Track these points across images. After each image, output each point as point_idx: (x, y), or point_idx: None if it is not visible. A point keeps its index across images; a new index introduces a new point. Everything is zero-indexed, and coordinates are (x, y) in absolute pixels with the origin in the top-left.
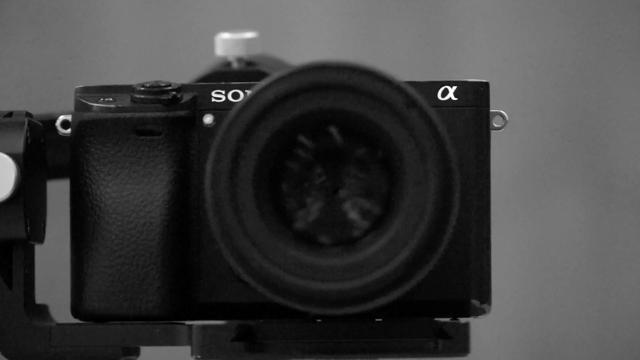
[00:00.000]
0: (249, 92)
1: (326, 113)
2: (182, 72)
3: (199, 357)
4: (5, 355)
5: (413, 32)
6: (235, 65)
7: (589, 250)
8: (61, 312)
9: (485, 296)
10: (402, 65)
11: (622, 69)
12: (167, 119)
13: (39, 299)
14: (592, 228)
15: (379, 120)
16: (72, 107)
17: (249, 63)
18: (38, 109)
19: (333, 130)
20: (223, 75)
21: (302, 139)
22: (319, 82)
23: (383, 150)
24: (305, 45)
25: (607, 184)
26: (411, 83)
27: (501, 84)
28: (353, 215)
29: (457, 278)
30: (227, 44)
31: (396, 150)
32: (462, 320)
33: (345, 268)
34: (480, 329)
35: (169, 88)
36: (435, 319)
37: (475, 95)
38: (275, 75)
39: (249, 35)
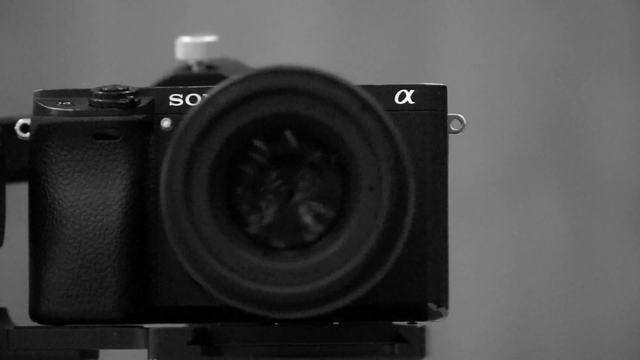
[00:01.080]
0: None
1: (281, 117)
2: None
3: None
4: None
5: (393, 36)
6: (195, 68)
7: (568, 252)
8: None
9: (442, 300)
10: (381, 68)
11: (602, 69)
12: (125, 122)
13: None
14: (571, 230)
15: (333, 124)
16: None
17: (209, 67)
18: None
19: (288, 134)
20: (183, 79)
21: (258, 143)
22: (273, 87)
23: (338, 154)
24: (285, 48)
25: (586, 186)
26: (368, 87)
27: (481, 85)
28: (307, 219)
29: (414, 282)
30: (187, 47)
31: (350, 155)
32: (420, 324)
33: (299, 272)
34: (458, 331)
35: (127, 92)
36: (393, 322)
37: (433, 99)
38: (230, 79)
39: (209, 38)
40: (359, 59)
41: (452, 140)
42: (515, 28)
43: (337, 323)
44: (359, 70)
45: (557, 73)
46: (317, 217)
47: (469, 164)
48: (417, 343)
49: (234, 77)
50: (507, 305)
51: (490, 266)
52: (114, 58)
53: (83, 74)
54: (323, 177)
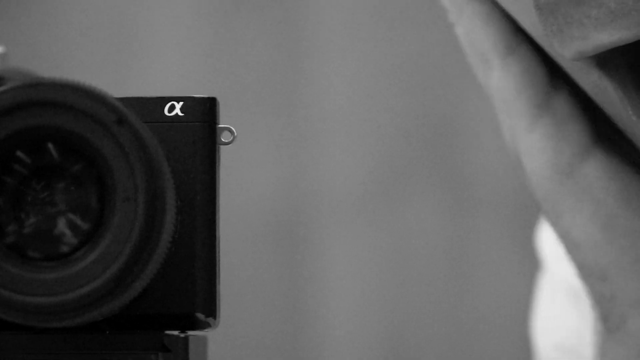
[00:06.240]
0: None
1: (42, 130)
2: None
3: None
4: None
5: (267, 42)
6: None
7: (444, 255)
8: None
9: (211, 310)
10: (256, 75)
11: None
12: None
13: None
14: (447, 233)
15: (91, 137)
16: None
17: None
18: None
19: (50, 146)
20: None
21: (20, 154)
22: (32, 99)
23: (97, 167)
24: (157, 57)
25: (462, 190)
26: (137, 99)
27: (357, 91)
28: (64, 230)
29: (182, 292)
30: None
31: (108, 167)
32: (189, 333)
33: (55, 282)
34: (336, 335)
35: None
36: (165, 332)
37: (203, 111)
38: None
39: None
40: (233, 67)
41: (329, 145)
42: (391, 34)
43: (108, 332)
44: (234, 77)
45: (432, 78)
46: (74, 228)
47: (347, 170)
48: (180, 352)
49: None
50: (384, 309)
51: (367, 272)
52: None
53: None
54: (83, 190)
